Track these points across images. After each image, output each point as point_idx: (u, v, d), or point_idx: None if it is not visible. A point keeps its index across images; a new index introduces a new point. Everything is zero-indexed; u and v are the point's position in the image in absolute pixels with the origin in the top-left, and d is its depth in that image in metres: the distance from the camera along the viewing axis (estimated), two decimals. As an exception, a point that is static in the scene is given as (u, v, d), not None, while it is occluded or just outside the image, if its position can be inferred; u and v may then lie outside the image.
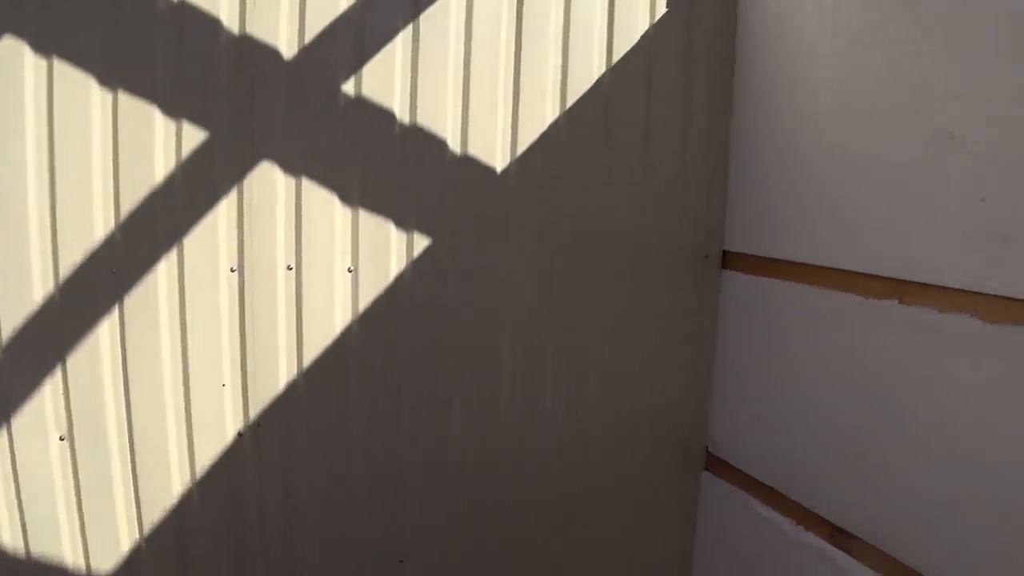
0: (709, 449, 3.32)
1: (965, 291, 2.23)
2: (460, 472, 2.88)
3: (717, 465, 3.30)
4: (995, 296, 2.19)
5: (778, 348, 2.89)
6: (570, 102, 2.81)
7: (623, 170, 2.90)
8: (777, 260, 2.92)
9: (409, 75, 2.60)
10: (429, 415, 2.82)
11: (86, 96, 2.28)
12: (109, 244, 2.35)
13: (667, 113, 2.94)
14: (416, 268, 2.73)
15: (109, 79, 2.30)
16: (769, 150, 2.90)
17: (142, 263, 2.41)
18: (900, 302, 2.43)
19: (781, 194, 2.84)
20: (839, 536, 2.60)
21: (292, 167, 2.51)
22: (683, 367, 3.14)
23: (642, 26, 2.85)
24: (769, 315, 2.94)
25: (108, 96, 2.30)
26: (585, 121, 2.82)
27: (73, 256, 2.32)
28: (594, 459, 3.05)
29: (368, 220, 2.64)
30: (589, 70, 2.82)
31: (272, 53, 2.43)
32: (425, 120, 2.66)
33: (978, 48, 2.14)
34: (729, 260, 3.19)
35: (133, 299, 2.41)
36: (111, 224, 2.35)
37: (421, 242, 2.71)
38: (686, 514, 3.29)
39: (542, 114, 2.78)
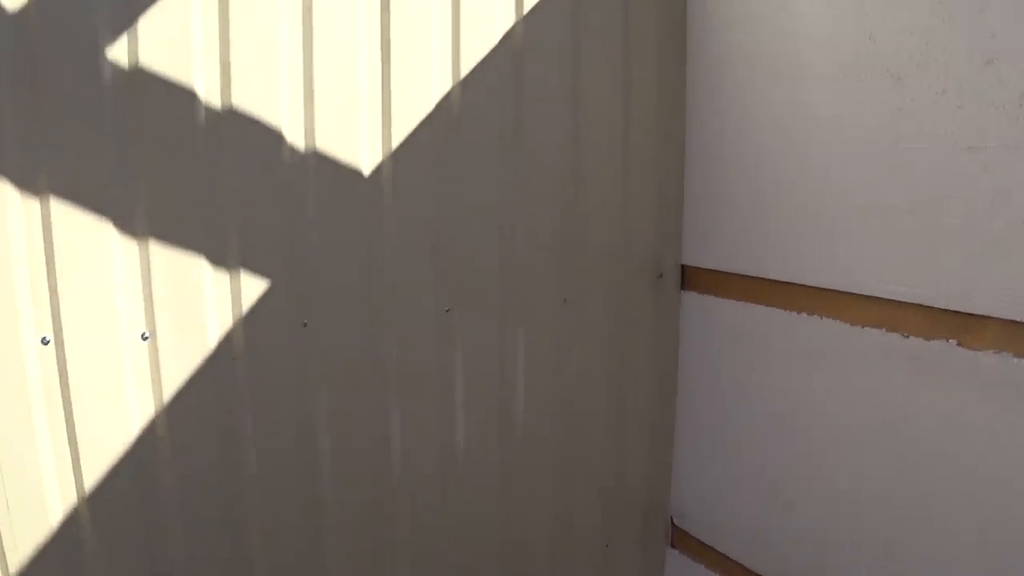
0: (674, 520, 2.90)
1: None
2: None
3: (684, 540, 2.88)
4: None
5: (759, 393, 2.49)
6: (466, 68, 2.25)
7: (542, 162, 2.41)
8: (755, 279, 2.48)
9: (216, 31, 1.94)
10: (288, 531, 2.20)
11: None
12: None
13: (601, 79, 2.47)
14: (250, 325, 2.07)
15: None
16: (744, 136, 2.47)
17: None
18: (960, 344, 1.93)
19: (761, 194, 2.42)
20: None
21: (32, 182, 1.82)
22: (637, 414, 2.73)
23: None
24: (746, 350, 2.54)
25: None
26: (488, 95, 2.29)
27: None
28: (530, 531, 2.60)
29: (166, 258, 1.97)
30: (491, 17, 2.26)
31: None
32: (246, 100, 2.00)
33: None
34: (690, 278, 2.77)
35: None
36: None
37: (254, 286, 2.07)
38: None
39: (426, 86, 2.21)
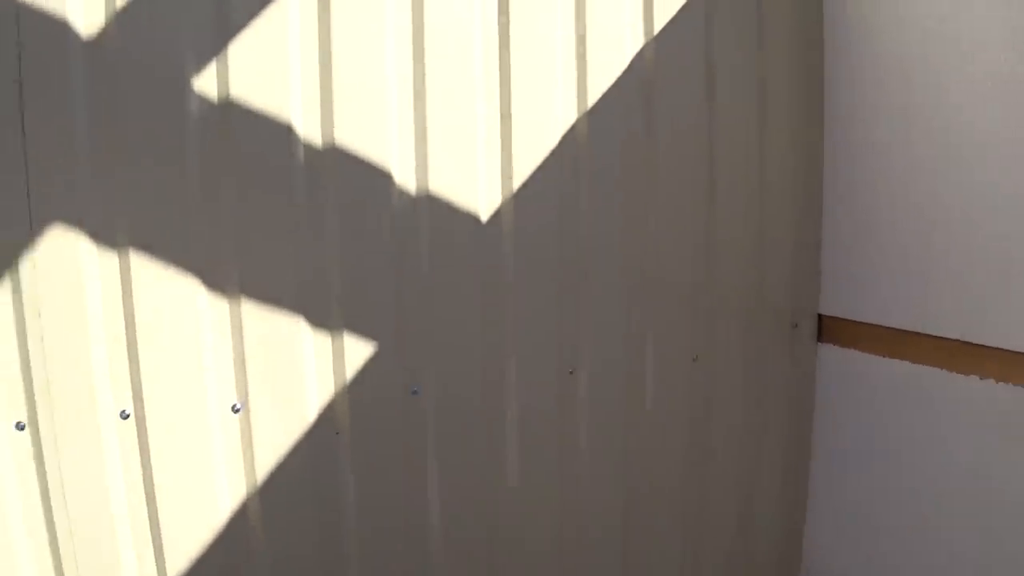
0: (806, 596, 2.65)
1: None
2: None
3: (820, 622, 2.63)
4: None
5: (917, 465, 2.24)
6: (593, 96, 2.06)
7: (674, 200, 2.24)
8: (910, 333, 2.23)
9: (315, 59, 1.81)
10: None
11: None
12: None
13: (735, 102, 2.28)
14: (354, 394, 1.91)
15: None
16: (894, 158, 2.24)
17: None
18: None
19: (917, 231, 2.20)
20: None
21: (108, 232, 1.68)
22: (767, 479, 2.52)
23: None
24: (896, 413, 2.29)
25: None
26: (616, 126, 2.12)
27: None
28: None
29: (259, 318, 1.83)
30: (619, 39, 2.09)
31: (57, 25, 1.60)
32: (350, 136, 1.86)
33: None
34: (828, 329, 2.51)
35: None
36: None
37: (359, 349, 1.92)
38: None
39: (550, 118, 2.05)
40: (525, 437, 2.12)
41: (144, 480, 1.76)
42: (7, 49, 1.59)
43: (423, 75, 1.90)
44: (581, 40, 2.05)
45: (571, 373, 2.12)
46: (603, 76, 2.08)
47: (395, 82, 1.90)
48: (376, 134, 1.89)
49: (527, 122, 2.02)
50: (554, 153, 2.03)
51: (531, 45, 2.02)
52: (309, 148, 1.83)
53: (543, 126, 2.05)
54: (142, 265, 1.71)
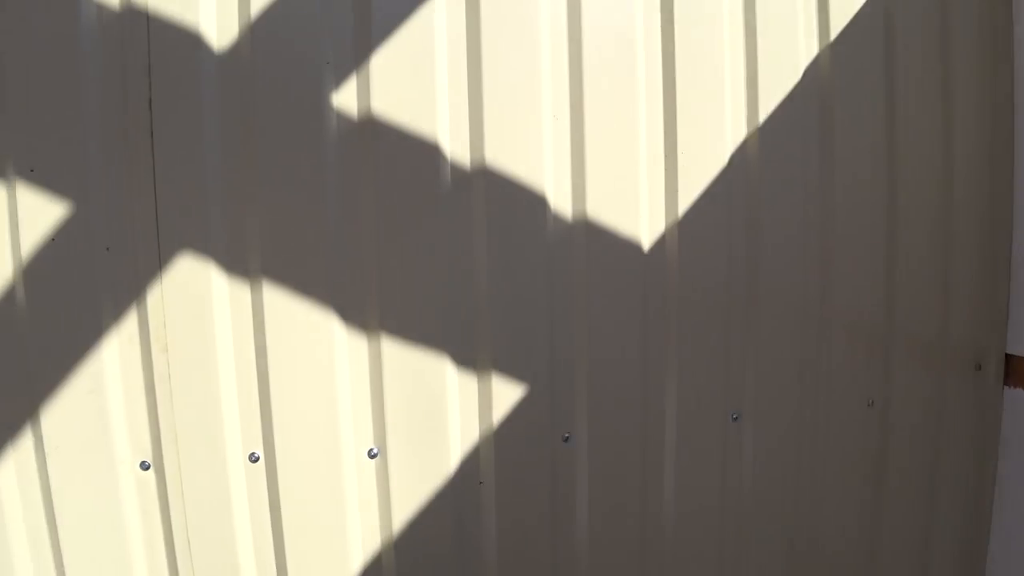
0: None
1: None
2: None
3: None
4: None
5: None
6: (764, 112, 1.79)
7: (852, 227, 1.94)
8: None
9: (463, 70, 1.62)
10: None
11: None
12: None
13: (918, 124, 1.97)
14: (501, 440, 1.70)
15: None
16: None
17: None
18: None
19: None
20: None
21: (241, 262, 1.54)
22: (942, 534, 2.21)
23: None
24: None
25: None
26: (790, 144, 1.85)
27: None
28: None
29: (400, 356, 1.64)
30: (792, 48, 1.82)
31: (189, 39, 1.46)
32: (500, 157, 1.65)
33: None
34: (1016, 371, 2.19)
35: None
36: None
37: (508, 391, 1.70)
38: None
39: (717, 136, 1.78)
40: (684, 489, 1.88)
41: (273, 527, 1.62)
42: (136, 65, 1.47)
43: (580, 88, 1.68)
44: (751, 48, 1.77)
45: (736, 419, 1.86)
46: (775, 89, 1.80)
47: (550, 95, 1.69)
48: (529, 154, 1.68)
49: (693, 139, 1.78)
50: (722, 174, 1.77)
51: (696, 57, 1.78)
52: (456, 169, 1.64)
53: (711, 144, 1.80)
54: (275, 296, 1.56)
